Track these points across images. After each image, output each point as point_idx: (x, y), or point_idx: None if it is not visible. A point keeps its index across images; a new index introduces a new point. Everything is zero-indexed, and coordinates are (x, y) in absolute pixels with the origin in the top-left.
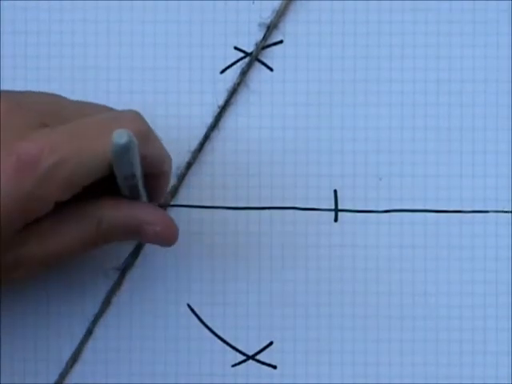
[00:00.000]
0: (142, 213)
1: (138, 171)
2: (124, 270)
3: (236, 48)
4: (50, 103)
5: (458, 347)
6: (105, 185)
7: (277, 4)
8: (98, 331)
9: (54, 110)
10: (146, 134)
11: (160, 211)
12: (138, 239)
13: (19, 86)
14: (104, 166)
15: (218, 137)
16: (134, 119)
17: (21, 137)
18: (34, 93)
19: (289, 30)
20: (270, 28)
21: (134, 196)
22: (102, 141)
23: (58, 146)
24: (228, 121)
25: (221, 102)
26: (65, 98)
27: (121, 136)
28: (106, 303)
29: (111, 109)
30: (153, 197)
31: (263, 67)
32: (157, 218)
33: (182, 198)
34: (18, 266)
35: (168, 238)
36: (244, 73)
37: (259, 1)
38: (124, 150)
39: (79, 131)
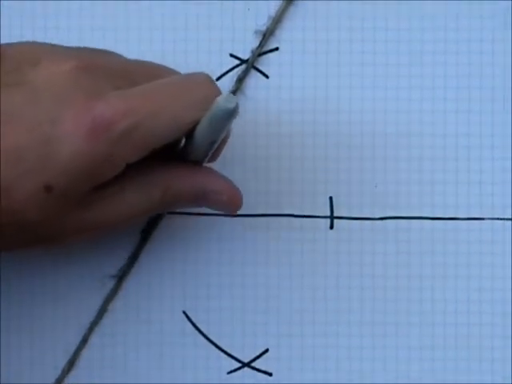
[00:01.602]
0: (210, 182)
1: (223, 136)
2: (120, 278)
3: (232, 55)
4: (118, 64)
5: (453, 354)
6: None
7: (272, 11)
8: (94, 339)
9: (123, 71)
10: None
11: (226, 179)
12: (202, 206)
13: None
14: (178, 130)
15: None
16: (207, 82)
17: (96, 97)
18: (101, 52)
19: (284, 37)
20: (266, 35)
21: (200, 160)
22: (178, 104)
23: (133, 109)
24: None
25: None
26: (127, 58)
27: (229, 100)
28: (103, 311)
29: (174, 70)
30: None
31: (259, 74)
32: (223, 187)
33: None
34: (82, 229)
35: (233, 206)
36: (240, 80)
37: (255, 8)
38: (228, 116)
39: (154, 94)
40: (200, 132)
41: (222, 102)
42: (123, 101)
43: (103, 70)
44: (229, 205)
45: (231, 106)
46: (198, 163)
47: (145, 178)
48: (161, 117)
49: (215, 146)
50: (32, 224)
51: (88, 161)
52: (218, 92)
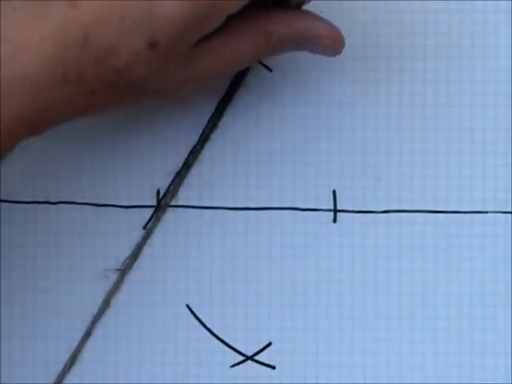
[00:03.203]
0: (313, 26)
1: None
2: (123, 272)
3: None
4: None
5: (456, 347)
6: None
7: None
8: (97, 332)
9: None
10: None
11: (328, 23)
12: (303, 50)
13: None
14: None
15: (217, 137)
16: None
17: None
18: None
19: None
20: None
21: (301, 3)
22: None
23: None
24: (227, 121)
25: (220, 102)
26: None
27: None
28: (106, 304)
29: None
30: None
31: (262, 68)
32: (327, 31)
33: (182, 198)
34: (191, 81)
35: (336, 50)
36: (243, 73)
37: None
38: None
39: None
40: None
41: None
42: None
43: None
44: (331, 49)
45: None
46: (298, 7)
47: (248, 25)
48: None
49: None
50: (140, 81)
51: (191, 13)
52: None
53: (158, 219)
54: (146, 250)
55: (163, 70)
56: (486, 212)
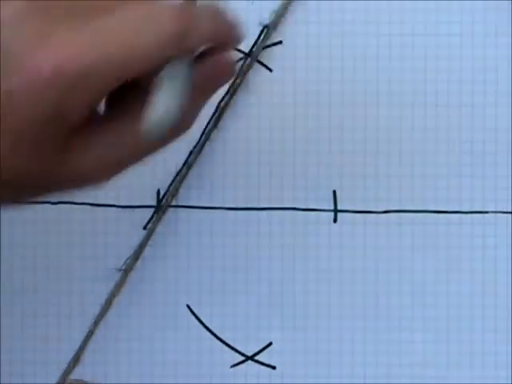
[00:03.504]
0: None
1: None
2: (125, 272)
3: (235, 48)
4: None
5: (456, 348)
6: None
7: (276, 4)
8: (99, 332)
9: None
10: (185, 33)
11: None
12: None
13: None
14: (144, 65)
15: (217, 137)
16: (172, 17)
17: (36, 45)
18: None
19: (288, 30)
20: (270, 29)
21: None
22: (137, 42)
23: (82, 53)
24: (227, 121)
25: (220, 102)
26: None
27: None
28: (107, 305)
29: None
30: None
31: (262, 68)
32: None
33: (182, 198)
34: (77, 180)
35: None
36: (243, 73)
37: (258, 1)
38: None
39: (109, 33)
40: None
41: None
42: (69, 43)
43: (53, 5)
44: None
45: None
46: None
47: (130, 112)
48: (113, 59)
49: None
50: (19, 175)
51: (39, 111)
52: (189, 24)
53: (159, 219)
54: (148, 250)
55: (37, 161)
56: (487, 212)
